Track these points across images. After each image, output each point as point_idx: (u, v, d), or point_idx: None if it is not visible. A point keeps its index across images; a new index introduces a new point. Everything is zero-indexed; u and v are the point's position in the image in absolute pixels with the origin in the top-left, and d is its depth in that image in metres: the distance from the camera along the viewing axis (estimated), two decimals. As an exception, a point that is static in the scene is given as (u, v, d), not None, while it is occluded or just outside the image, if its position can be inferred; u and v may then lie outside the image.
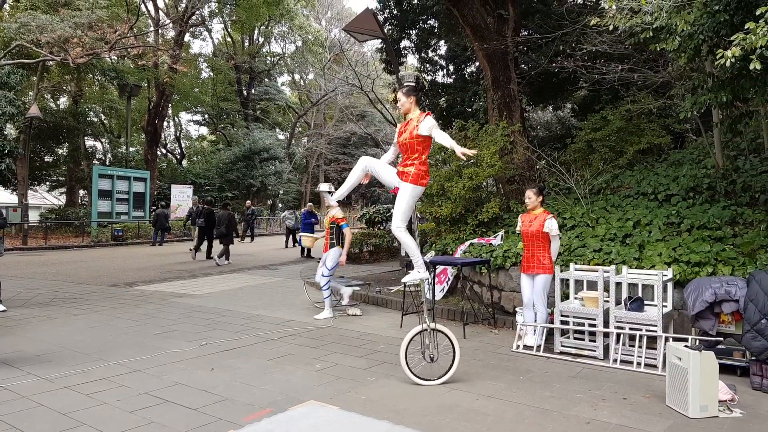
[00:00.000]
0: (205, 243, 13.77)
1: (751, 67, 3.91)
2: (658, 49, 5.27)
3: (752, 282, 4.37)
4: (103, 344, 5.44)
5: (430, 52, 15.60)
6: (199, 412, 3.66)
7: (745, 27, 3.96)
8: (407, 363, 4.28)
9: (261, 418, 3.49)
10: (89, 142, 30.40)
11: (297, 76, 39.92)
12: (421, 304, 4.50)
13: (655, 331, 4.70)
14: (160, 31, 26.29)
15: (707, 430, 3.41)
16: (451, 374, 4.30)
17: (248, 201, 24.66)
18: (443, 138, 4.00)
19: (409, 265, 4.48)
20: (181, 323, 6.54)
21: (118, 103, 27.96)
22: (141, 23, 23.96)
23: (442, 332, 4.41)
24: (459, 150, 3.86)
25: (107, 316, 6.93)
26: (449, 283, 7.78)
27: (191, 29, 29.05)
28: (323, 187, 4.93)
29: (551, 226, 5.33)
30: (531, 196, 5.49)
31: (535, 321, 5.38)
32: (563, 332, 5.30)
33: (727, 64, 4.02)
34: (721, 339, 4.58)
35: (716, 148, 7.18)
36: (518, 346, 5.34)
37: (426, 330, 4.40)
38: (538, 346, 5.22)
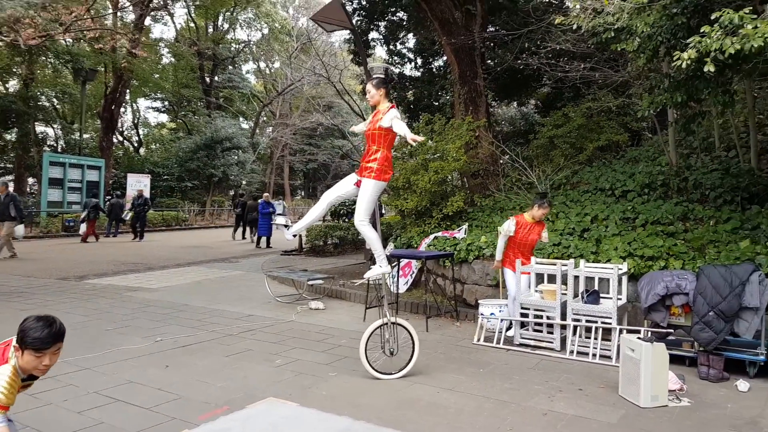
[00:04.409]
0: (238, 228, 18.05)
1: (705, 69, 4.04)
2: (619, 49, 5.39)
3: (701, 276, 4.54)
4: (52, 340, 5.19)
5: (398, 44, 15.53)
6: (153, 411, 3.54)
7: (701, 30, 4.08)
8: (367, 358, 4.26)
9: (217, 417, 3.40)
10: (40, 128, 28.98)
11: (262, 65, 39.14)
12: (382, 297, 4.48)
13: (610, 323, 4.84)
14: (119, 13, 25.25)
15: (657, 419, 3.53)
16: (410, 368, 4.31)
17: (139, 188, 19.52)
18: (400, 127, 4.06)
19: (373, 259, 4.45)
20: (135, 318, 6.32)
21: (72, 87, 26.70)
22: (99, 5, 22.93)
23: (402, 326, 4.41)
24: (410, 136, 3.95)
25: (56, 311, 6.63)
26: (413, 276, 7.81)
27: (152, 13, 28.01)
28: (280, 220, 4.67)
29: (547, 236, 5.65)
30: (545, 212, 5.57)
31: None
32: (522, 324, 5.40)
33: (683, 65, 4.14)
34: (672, 330, 4.75)
35: (670, 147, 7.42)
36: (479, 339, 5.40)
37: (386, 324, 4.39)
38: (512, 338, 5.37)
